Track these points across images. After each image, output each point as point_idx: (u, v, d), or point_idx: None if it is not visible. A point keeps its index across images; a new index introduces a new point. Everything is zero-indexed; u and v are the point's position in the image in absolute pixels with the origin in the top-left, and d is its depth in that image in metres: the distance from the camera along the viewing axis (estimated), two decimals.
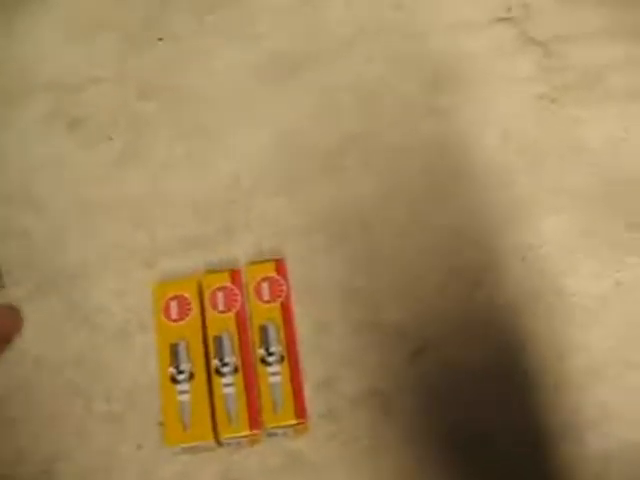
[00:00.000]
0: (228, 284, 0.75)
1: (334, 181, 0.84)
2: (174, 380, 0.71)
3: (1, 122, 0.89)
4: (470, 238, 0.81)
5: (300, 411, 0.70)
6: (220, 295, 0.74)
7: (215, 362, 0.72)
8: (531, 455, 0.74)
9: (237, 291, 0.74)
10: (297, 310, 0.76)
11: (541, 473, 0.74)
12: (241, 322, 0.73)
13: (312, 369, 0.76)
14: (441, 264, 0.81)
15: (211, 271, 0.78)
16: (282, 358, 0.72)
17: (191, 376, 0.72)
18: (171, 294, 0.74)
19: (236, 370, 0.72)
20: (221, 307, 0.74)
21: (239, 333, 0.73)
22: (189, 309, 0.74)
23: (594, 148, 0.86)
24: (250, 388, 0.71)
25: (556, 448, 0.75)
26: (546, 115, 0.87)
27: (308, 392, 0.74)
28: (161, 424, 0.74)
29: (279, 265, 0.75)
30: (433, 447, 0.75)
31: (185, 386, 0.71)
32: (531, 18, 0.92)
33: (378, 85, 0.89)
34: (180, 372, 0.72)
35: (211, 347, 0.72)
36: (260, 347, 0.72)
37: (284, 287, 0.74)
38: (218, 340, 0.72)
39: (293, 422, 0.70)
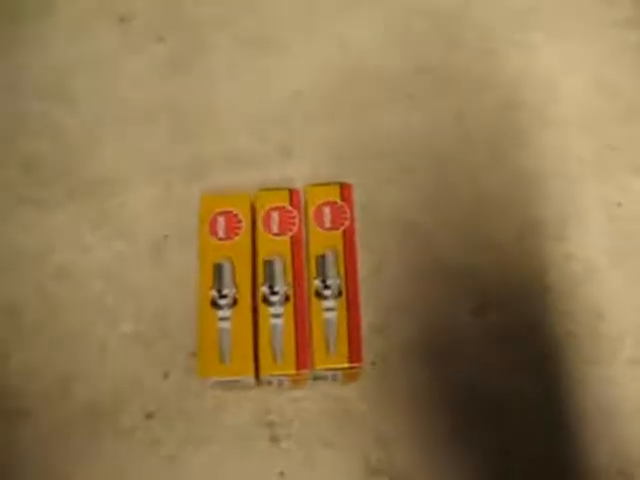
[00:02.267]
0: (285, 204, 0.66)
1: (405, 109, 0.76)
2: (215, 304, 0.63)
3: (45, 12, 0.80)
4: (550, 188, 0.73)
5: (355, 354, 0.62)
6: (275, 215, 0.65)
7: (263, 289, 0.63)
8: (598, 431, 0.67)
9: (295, 213, 0.66)
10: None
11: (608, 451, 0.67)
12: (297, 248, 0.65)
13: (366, 311, 0.67)
14: (517, 212, 0.73)
15: (266, 189, 0.68)
16: (340, 293, 0.63)
17: (234, 302, 0.63)
18: (220, 209, 0.66)
19: (287, 300, 0.63)
20: (275, 229, 0.65)
21: (293, 260, 0.64)
22: (239, 227, 0.65)
23: None
24: (301, 322, 0.63)
25: (627, 426, 0.67)
26: None
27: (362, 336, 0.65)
28: (194, 354, 0.65)
29: (344, 190, 0.67)
30: (485, 409, 0.68)
31: (227, 312, 0.63)
32: None
33: (460, 11, 0.80)
34: (222, 296, 0.63)
35: (260, 272, 0.64)
36: (316, 278, 0.64)
37: (348, 215, 0.65)
38: (269, 265, 0.64)
39: (346, 366, 0.62)
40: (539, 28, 0.79)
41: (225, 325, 0.63)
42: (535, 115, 0.76)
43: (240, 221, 0.65)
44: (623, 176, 0.73)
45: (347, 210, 0.66)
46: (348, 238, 0.65)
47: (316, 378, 0.64)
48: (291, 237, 0.65)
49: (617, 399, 0.68)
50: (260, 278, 0.64)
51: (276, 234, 0.65)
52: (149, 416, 0.65)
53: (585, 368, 0.69)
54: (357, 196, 0.69)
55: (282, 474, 0.64)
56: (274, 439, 0.65)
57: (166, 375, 0.66)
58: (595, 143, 0.75)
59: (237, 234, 0.65)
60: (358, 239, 0.68)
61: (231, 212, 0.66)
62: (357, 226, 0.68)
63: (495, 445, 0.67)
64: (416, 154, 0.74)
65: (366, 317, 0.67)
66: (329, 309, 0.63)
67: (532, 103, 0.77)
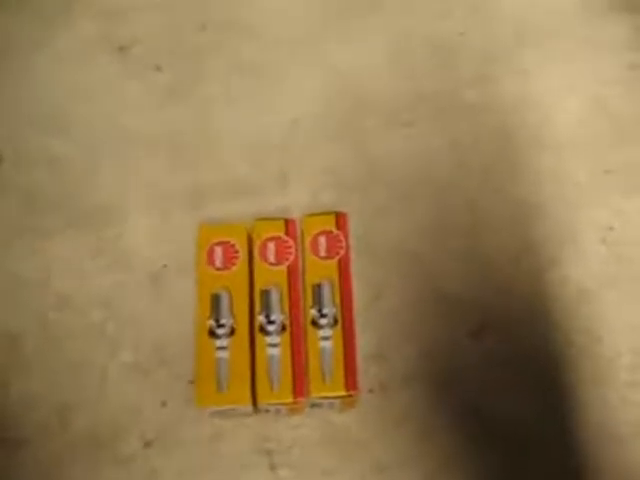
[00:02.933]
0: (281, 234, 0.66)
1: (402, 137, 0.77)
2: (212, 334, 0.64)
3: (45, 42, 0.82)
4: (547, 213, 0.74)
5: (351, 382, 0.63)
6: (271, 246, 0.66)
7: (260, 318, 0.64)
8: (595, 455, 0.67)
9: (291, 243, 0.66)
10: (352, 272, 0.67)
11: (604, 476, 0.66)
12: (293, 277, 0.65)
13: (363, 339, 0.68)
14: (513, 238, 0.73)
15: (262, 219, 0.69)
16: (335, 321, 0.64)
17: (232, 331, 0.64)
18: (217, 239, 0.67)
19: (283, 329, 0.64)
20: (272, 259, 0.66)
21: (290, 289, 0.65)
22: (236, 257, 0.66)
23: None
24: (297, 351, 0.63)
25: (625, 449, 0.67)
26: (637, 86, 0.78)
27: (358, 364, 0.65)
28: (191, 382, 0.66)
29: (340, 219, 0.67)
30: (484, 435, 0.67)
31: (224, 342, 0.63)
32: None
33: (456, 39, 0.81)
34: (220, 326, 0.64)
35: (257, 302, 0.65)
36: (312, 307, 0.64)
37: (344, 243, 0.66)
38: (266, 294, 0.64)
39: (342, 394, 0.63)
40: (535, 53, 0.80)
41: (223, 354, 0.63)
42: (531, 139, 0.77)
43: (237, 251, 0.66)
44: (615, 200, 0.73)
45: (342, 239, 0.67)
46: (343, 267, 0.66)
47: (313, 405, 0.64)
48: (287, 267, 0.66)
49: (615, 422, 0.67)
50: (257, 307, 0.65)
51: (273, 264, 0.66)
52: (147, 445, 0.66)
53: (583, 390, 0.69)
54: (355, 225, 0.70)
55: None
56: (273, 467, 0.66)
57: (164, 404, 0.67)
58: (590, 167, 0.76)
59: (234, 264, 0.66)
60: (356, 267, 0.68)
61: (228, 242, 0.67)
62: (355, 254, 0.69)
63: (496, 470, 0.67)
64: (414, 182, 0.74)
65: (364, 345, 0.68)
66: (325, 338, 0.64)
67: (528, 128, 0.77)
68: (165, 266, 0.71)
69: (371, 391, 0.67)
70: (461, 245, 0.72)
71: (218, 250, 0.66)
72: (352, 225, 0.70)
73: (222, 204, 0.73)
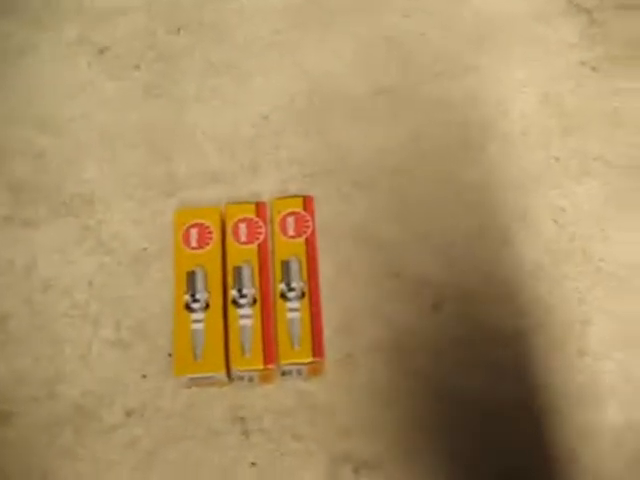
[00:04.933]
0: (252, 216, 0.72)
1: (365, 128, 0.82)
2: (189, 308, 0.69)
3: (25, 45, 0.87)
4: (501, 197, 0.79)
5: (317, 349, 0.68)
6: (243, 226, 0.72)
7: (233, 292, 0.69)
8: (550, 421, 0.71)
9: (261, 223, 0.72)
10: (319, 252, 0.73)
11: (559, 439, 0.71)
12: (263, 255, 0.71)
13: (330, 313, 0.73)
14: (469, 219, 0.78)
15: (234, 203, 0.74)
16: (303, 294, 0.69)
17: (207, 306, 0.69)
18: (192, 221, 0.72)
19: (254, 302, 0.69)
20: (243, 238, 0.71)
21: (260, 266, 0.70)
22: (210, 238, 0.71)
23: (632, 119, 0.83)
24: (267, 322, 0.68)
25: (574, 414, 0.72)
26: (587, 82, 0.85)
27: (325, 335, 0.70)
28: (170, 355, 0.71)
29: (307, 201, 0.73)
30: (445, 403, 0.72)
31: (200, 315, 0.68)
32: None
33: (415, 39, 0.87)
34: (195, 300, 0.69)
35: (230, 277, 0.70)
36: (281, 282, 0.70)
37: (310, 223, 0.72)
38: (238, 270, 0.70)
39: (309, 360, 0.68)
40: (489, 52, 0.86)
41: (198, 326, 0.68)
42: (485, 131, 0.82)
43: (211, 232, 0.71)
44: (566, 184, 0.79)
45: (309, 219, 0.72)
46: (310, 245, 0.71)
47: (283, 374, 0.69)
48: (258, 245, 0.71)
49: (567, 387, 0.72)
50: (230, 283, 0.70)
51: (244, 243, 0.71)
52: (129, 414, 0.70)
53: (537, 358, 0.73)
54: (321, 209, 0.76)
55: (253, 464, 0.69)
56: (245, 433, 0.70)
57: (144, 376, 0.72)
58: (541, 154, 0.81)
59: (208, 244, 0.71)
60: (322, 247, 0.73)
61: (202, 224, 0.72)
62: (321, 236, 0.74)
63: (457, 434, 0.71)
64: (374, 170, 0.80)
65: (330, 317, 0.73)
66: (293, 309, 0.69)
67: (483, 120, 0.83)
68: (145, 249, 0.76)
69: (337, 361, 0.72)
70: (418, 227, 0.77)
71: (193, 231, 0.71)
72: (318, 210, 0.75)
73: (197, 191, 0.78)
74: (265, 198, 0.76)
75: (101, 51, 0.85)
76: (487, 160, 0.81)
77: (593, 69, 0.85)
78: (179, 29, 0.87)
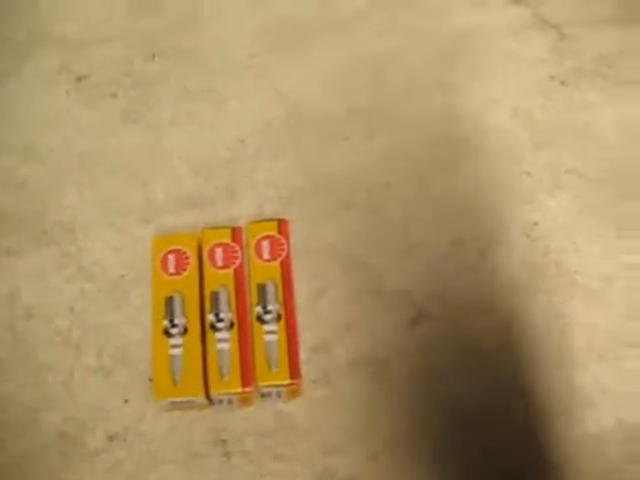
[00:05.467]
0: (228, 241, 0.73)
1: (340, 149, 0.84)
2: (167, 333, 0.70)
3: (7, 73, 0.88)
4: (475, 211, 0.80)
5: (295, 371, 0.69)
6: (219, 251, 0.73)
7: (210, 317, 0.71)
8: (529, 432, 0.72)
9: (237, 248, 0.73)
10: (296, 273, 0.75)
11: (536, 451, 0.72)
12: (239, 279, 0.72)
13: (308, 333, 0.75)
14: (445, 235, 0.80)
15: (210, 228, 0.75)
16: (279, 317, 0.70)
17: (185, 331, 0.70)
18: (169, 247, 0.73)
19: (231, 326, 0.70)
20: (220, 263, 0.72)
21: (237, 290, 0.72)
22: (187, 264, 0.72)
23: (602, 132, 0.85)
24: (245, 345, 0.70)
25: (553, 426, 0.73)
26: (556, 96, 0.87)
27: (303, 356, 0.72)
28: (151, 380, 0.72)
29: (281, 225, 0.74)
30: (426, 418, 0.73)
31: (178, 340, 0.70)
32: (547, 1, 0.91)
33: (388, 58, 0.89)
34: (174, 326, 0.70)
35: (207, 302, 0.71)
36: (257, 305, 0.71)
37: (285, 247, 0.73)
38: (215, 295, 0.71)
39: (287, 382, 0.69)
40: (461, 68, 0.88)
41: (177, 352, 0.70)
42: (459, 147, 0.84)
43: (188, 257, 0.73)
44: (538, 198, 0.80)
45: (284, 242, 0.73)
46: (285, 268, 0.72)
47: (262, 396, 0.70)
48: (234, 270, 0.72)
49: (546, 397, 0.74)
50: (207, 307, 0.71)
51: (220, 267, 0.72)
52: (111, 439, 0.72)
53: (513, 373, 0.75)
54: (297, 231, 0.77)
55: None
56: (227, 455, 0.71)
57: (126, 401, 0.73)
58: (513, 169, 0.82)
59: (185, 269, 0.72)
60: (298, 269, 0.75)
61: (180, 250, 0.73)
62: (297, 257, 0.75)
63: (439, 449, 0.72)
64: (350, 190, 0.81)
65: (307, 339, 0.74)
66: (270, 332, 0.70)
67: (456, 136, 0.84)
68: (123, 276, 0.77)
69: (315, 381, 0.73)
70: (394, 244, 0.78)
71: (171, 257, 0.73)
72: (294, 231, 0.77)
73: (174, 217, 0.79)
74: (242, 221, 0.78)
75: (79, 79, 0.87)
76: (461, 175, 0.82)
77: (562, 83, 0.86)
78: (155, 56, 0.88)
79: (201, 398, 0.69)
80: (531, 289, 0.77)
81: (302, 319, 0.74)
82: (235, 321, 0.70)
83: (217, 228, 0.75)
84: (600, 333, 0.75)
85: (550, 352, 0.75)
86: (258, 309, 0.70)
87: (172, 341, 0.69)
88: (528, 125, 0.85)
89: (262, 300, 0.71)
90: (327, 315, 0.76)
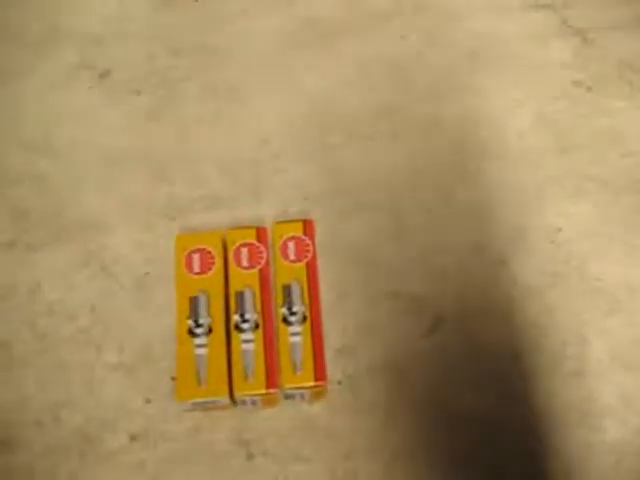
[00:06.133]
0: (253, 241, 0.73)
1: (363, 150, 0.83)
2: (192, 333, 0.70)
3: (30, 69, 0.87)
4: (498, 217, 0.80)
5: (320, 373, 0.68)
6: (244, 251, 0.72)
7: (235, 317, 0.70)
8: (546, 440, 0.72)
9: (262, 248, 0.73)
10: (319, 274, 0.74)
11: (556, 459, 0.72)
12: (264, 279, 0.72)
13: (331, 335, 0.74)
14: (467, 240, 0.79)
15: (236, 228, 0.75)
16: (304, 318, 0.70)
17: (209, 330, 0.70)
18: (194, 247, 0.73)
19: (256, 327, 0.70)
20: (245, 263, 0.72)
21: (262, 290, 0.71)
22: (212, 263, 0.72)
23: (626, 139, 0.84)
24: (270, 346, 0.69)
25: (572, 434, 0.72)
26: (581, 102, 0.87)
27: (327, 358, 0.71)
28: (173, 379, 0.72)
29: (307, 225, 0.74)
30: (443, 425, 0.73)
31: (203, 340, 0.69)
32: (571, 6, 0.91)
33: (413, 60, 0.89)
34: (198, 325, 0.70)
35: (232, 302, 0.71)
36: (282, 306, 0.70)
37: (310, 247, 0.73)
38: (240, 295, 0.71)
39: (312, 384, 0.68)
40: (487, 73, 0.87)
41: (201, 351, 0.69)
42: (482, 151, 0.83)
43: (213, 257, 0.72)
44: (562, 204, 0.80)
45: (309, 243, 0.73)
46: (311, 269, 0.72)
47: (286, 397, 0.70)
48: (259, 270, 0.72)
49: (562, 407, 0.73)
50: (232, 308, 0.70)
51: (246, 268, 0.72)
52: (133, 439, 0.71)
53: (533, 379, 0.74)
54: (321, 232, 0.77)
55: None
56: (249, 455, 0.71)
57: (148, 400, 0.72)
58: (537, 174, 0.82)
59: (210, 269, 0.72)
60: (323, 270, 0.74)
61: (205, 249, 0.73)
62: (322, 258, 0.75)
63: (454, 457, 0.72)
64: (374, 191, 0.81)
65: (331, 340, 0.74)
66: (295, 334, 0.70)
67: (479, 140, 0.84)
68: (147, 274, 0.76)
69: (339, 383, 0.73)
70: (417, 247, 0.78)
71: (195, 257, 0.72)
72: (319, 232, 0.76)
73: (199, 215, 0.79)
74: (266, 221, 0.77)
75: (102, 75, 0.86)
76: (484, 179, 0.82)
77: (587, 89, 0.86)
78: (178, 52, 0.87)
79: (225, 399, 0.68)
80: (553, 296, 0.76)
81: (325, 320, 0.73)
82: (260, 322, 0.69)
83: (242, 228, 0.74)
84: (622, 342, 0.74)
85: (570, 361, 0.74)
86: (283, 310, 0.70)
87: (197, 341, 0.69)
88: (552, 130, 0.84)
89: (287, 301, 0.70)
90: (349, 317, 0.76)
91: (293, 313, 0.70)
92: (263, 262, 0.72)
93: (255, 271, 0.71)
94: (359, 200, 0.80)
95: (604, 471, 0.71)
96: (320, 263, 0.75)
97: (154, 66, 0.86)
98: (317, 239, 0.75)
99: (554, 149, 0.84)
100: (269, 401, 0.69)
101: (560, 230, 0.79)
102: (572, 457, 0.71)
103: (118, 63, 0.87)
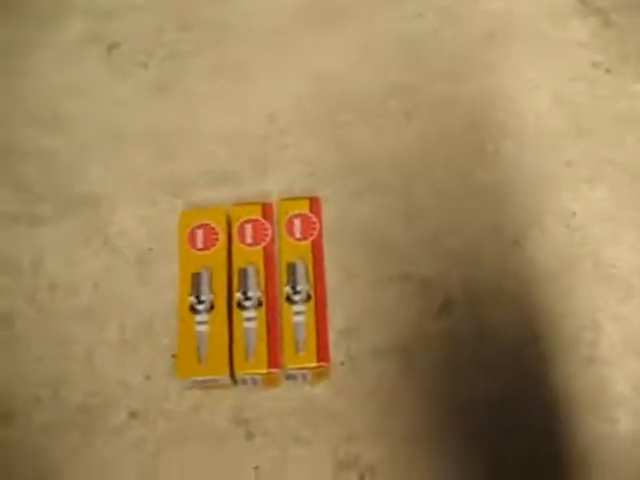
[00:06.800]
0: (258, 217, 0.71)
1: (374, 128, 0.81)
2: (193, 310, 0.68)
3: (36, 43, 0.86)
4: (512, 198, 0.78)
5: (323, 354, 0.67)
6: (249, 227, 0.71)
7: (238, 295, 0.68)
8: (557, 428, 0.70)
9: (267, 225, 0.71)
10: (325, 253, 0.72)
11: (565, 447, 0.69)
12: (269, 257, 0.70)
13: (335, 316, 0.73)
14: (478, 222, 0.77)
15: (241, 204, 0.73)
16: (308, 297, 0.68)
17: (211, 307, 0.68)
18: (198, 222, 0.71)
19: (259, 305, 0.68)
20: (249, 240, 0.70)
21: (266, 268, 0.70)
22: (215, 239, 0.70)
23: None
24: (272, 325, 0.68)
25: (584, 423, 0.71)
26: (599, 84, 0.84)
27: (330, 339, 0.70)
28: (174, 356, 0.70)
29: (313, 203, 0.72)
30: (451, 410, 0.71)
31: (204, 317, 0.68)
32: None
33: (426, 38, 0.86)
34: (200, 302, 0.68)
35: (235, 279, 0.69)
36: (287, 285, 0.69)
37: (317, 225, 0.71)
38: (243, 272, 0.69)
39: (314, 365, 0.67)
40: (503, 52, 0.85)
41: (202, 328, 0.68)
42: (497, 132, 0.81)
43: (217, 233, 0.71)
44: (577, 187, 0.78)
45: (316, 221, 0.71)
46: (317, 247, 0.70)
47: (288, 378, 0.69)
48: (264, 247, 0.70)
49: (576, 392, 0.71)
50: (235, 285, 0.69)
51: (250, 244, 0.70)
52: (133, 415, 0.70)
53: (547, 364, 0.73)
54: (328, 210, 0.75)
55: (257, 468, 0.69)
56: (249, 435, 0.70)
57: (148, 377, 0.71)
58: (553, 157, 0.80)
59: (214, 245, 0.71)
60: (329, 249, 0.73)
61: (208, 225, 0.71)
62: (328, 238, 0.73)
63: (460, 443, 0.70)
64: (384, 171, 0.79)
65: (335, 321, 0.72)
66: (298, 313, 0.68)
67: (494, 121, 0.82)
68: (151, 249, 0.75)
69: (342, 364, 0.72)
70: (427, 228, 0.76)
71: (199, 232, 0.71)
72: (326, 211, 0.75)
73: (204, 191, 0.78)
74: (272, 198, 0.76)
75: (109, 48, 0.85)
76: (498, 161, 0.80)
77: (607, 70, 0.84)
78: (187, 26, 0.86)
79: (225, 377, 0.67)
80: (566, 281, 0.75)
81: (330, 301, 0.72)
82: (263, 300, 0.68)
83: (247, 204, 0.72)
84: (637, 328, 0.72)
85: (583, 347, 0.72)
86: (287, 289, 0.68)
87: (198, 317, 0.68)
88: (569, 112, 0.82)
89: (292, 280, 0.69)
90: (356, 298, 0.74)
91: (297, 292, 0.68)
92: (268, 239, 0.70)
93: (259, 248, 0.70)
94: (369, 180, 0.79)
95: (615, 461, 0.69)
96: (327, 243, 0.73)
97: (162, 40, 0.85)
98: (325, 218, 0.74)
99: (572, 132, 0.82)
100: (270, 381, 0.68)
101: (575, 214, 0.77)
102: (582, 446, 0.70)
103: (126, 36, 0.86)
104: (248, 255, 0.70)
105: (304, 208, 0.71)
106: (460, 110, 0.82)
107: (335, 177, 0.78)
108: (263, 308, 0.68)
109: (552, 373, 0.72)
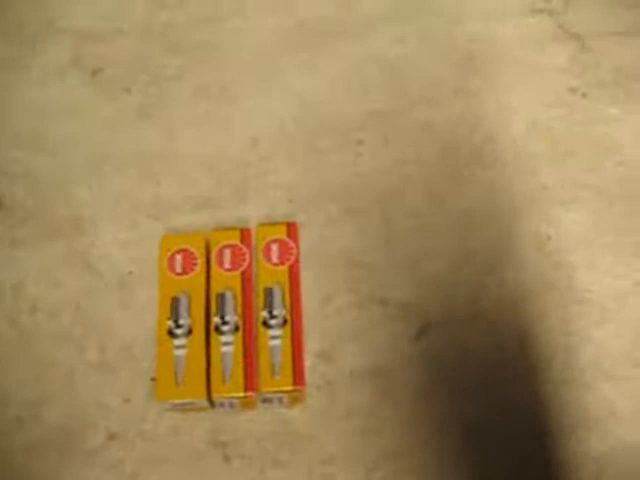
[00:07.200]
0: (237, 242, 0.72)
1: (353, 154, 0.83)
2: (171, 334, 0.69)
3: (22, 64, 0.87)
4: (487, 223, 0.79)
5: (298, 378, 0.68)
6: (227, 252, 0.72)
7: (216, 319, 0.70)
8: (531, 449, 0.71)
9: (245, 250, 0.72)
10: (303, 278, 0.73)
11: (540, 468, 0.71)
12: (246, 282, 0.71)
13: (312, 339, 0.74)
14: (455, 246, 0.79)
15: (219, 229, 0.75)
16: (285, 322, 0.69)
17: (189, 331, 0.69)
18: (177, 247, 0.72)
19: (236, 329, 0.69)
20: (227, 265, 0.72)
21: (243, 293, 0.71)
22: (194, 264, 0.72)
23: (622, 147, 0.83)
24: (249, 349, 0.69)
25: (557, 444, 0.72)
26: (576, 109, 0.86)
27: (307, 362, 0.71)
28: (153, 379, 0.71)
29: (291, 228, 0.73)
30: (429, 433, 0.72)
31: (182, 341, 0.69)
32: (569, 11, 0.90)
33: (406, 63, 0.88)
34: (179, 326, 0.69)
35: (213, 304, 0.70)
36: (263, 309, 0.70)
37: (294, 250, 0.72)
38: (221, 297, 0.70)
39: (290, 388, 0.68)
40: (479, 77, 0.86)
41: (180, 352, 0.69)
42: (474, 157, 0.83)
43: (196, 258, 0.72)
44: (552, 211, 0.79)
45: (293, 246, 0.72)
46: (294, 272, 0.71)
47: (264, 401, 0.70)
48: (241, 272, 0.72)
49: (549, 416, 0.72)
50: (213, 309, 0.70)
51: (228, 269, 0.72)
52: (112, 437, 0.71)
53: (520, 386, 0.74)
54: (307, 236, 0.76)
55: None
56: (226, 458, 0.71)
57: (127, 400, 0.72)
58: (529, 181, 0.81)
59: (193, 270, 0.72)
60: (307, 274, 0.74)
61: (188, 250, 0.72)
62: (306, 262, 0.74)
63: (437, 466, 0.71)
64: (362, 196, 0.80)
65: (312, 345, 0.74)
66: (275, 337, 0.69)
67: (471, 146, 0.83)
68: (131, 273, 0.76)
69: (318, 388, 0.72)
70: (405, 253, 0.77)
71: (178, 257, 0.72)
72: (304, 236, 0.76)
73: (185, 216, 0.79)
74: (252, 223, 0.77)
75: (94, 73, 0.86)
76: (476, 186, 0.81)
77: (583, 95, 0.85)
78: (170, 51, 0.87)
79: (203, 400, 0.68)
80: (540, 304, 0.75)
81: (307, 324, 0.73)
82: (240, 325, 0.69)
83: (226, 229, 0.74)
84: (610, 352, 0.73)
85: (557, 370, 0.74)
86: (264, 313, 0.70)
87: (176, 342, 0.69)
88: (546, 137, 0.84)
89: (268, 304, 0.70)
90: (333, 321, 0.75)
91: (274, 316, 0.69)
92: (245, 264, 0.71)
93: (237, 273, 0.71)
94: (347, 205, 0.80)
95: None
96: (305, 267, 0.74)
97: (146, 64, 0.86)
98: (303, 243, 0.75)
99: (548, 156, 0.83)
100: (247, 404, 0.69)
101: (549, 238, 0.78)
102: (555, 468, 0.70)
103: (110, 60, 0.87)
104: (226, 280, 0.71)
105: (281, 233, 0.73)
106: (438, 135, 0.83)
107: (314, 202, 0.79)
108: (240, 332, 0.69)
109: (526, 395, 0.73)
